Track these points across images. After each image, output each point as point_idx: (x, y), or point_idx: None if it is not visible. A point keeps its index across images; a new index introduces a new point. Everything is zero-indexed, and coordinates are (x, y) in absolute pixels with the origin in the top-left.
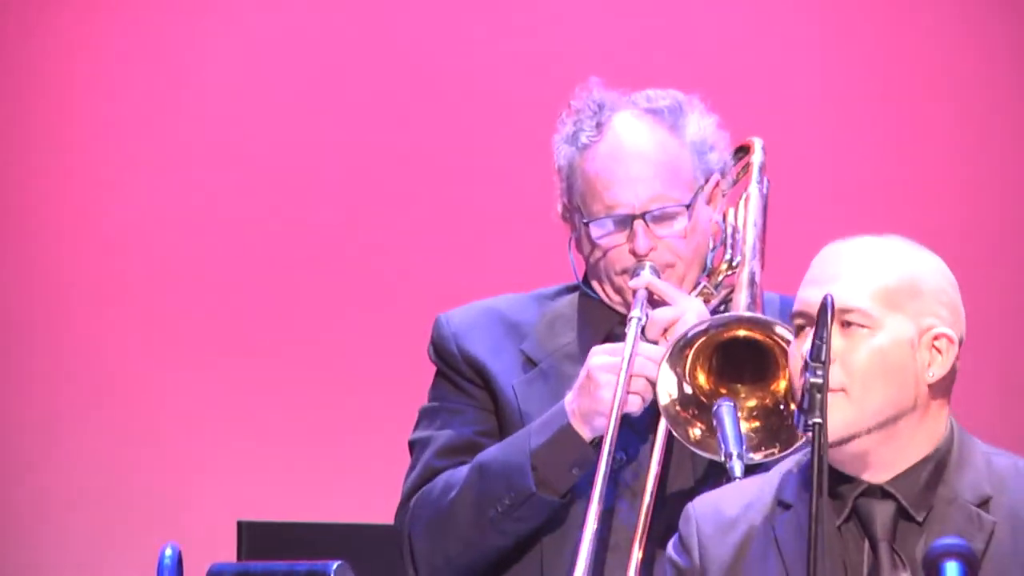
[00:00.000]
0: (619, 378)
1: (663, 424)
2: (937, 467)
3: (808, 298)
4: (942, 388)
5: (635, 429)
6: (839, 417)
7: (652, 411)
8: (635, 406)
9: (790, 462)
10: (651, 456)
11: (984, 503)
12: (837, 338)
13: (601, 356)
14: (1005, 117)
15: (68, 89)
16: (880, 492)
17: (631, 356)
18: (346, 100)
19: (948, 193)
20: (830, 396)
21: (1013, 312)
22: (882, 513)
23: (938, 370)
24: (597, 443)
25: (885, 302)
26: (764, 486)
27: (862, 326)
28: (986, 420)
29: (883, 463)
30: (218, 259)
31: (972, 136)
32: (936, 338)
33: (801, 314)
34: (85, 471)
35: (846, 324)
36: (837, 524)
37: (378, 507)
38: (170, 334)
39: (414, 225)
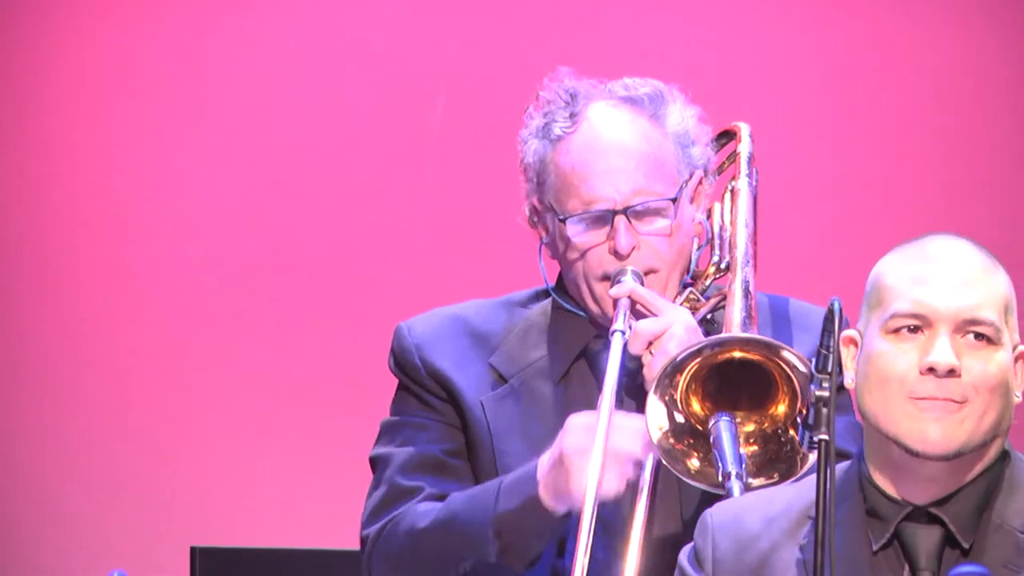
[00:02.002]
0: (591, 465)
1: (650, 459)
2: (987, 490)
3: (931, 301)
4: None
5: None
6: (959, 430)
7: None
8: (614, 489)
9: None
10: (630, 487)
11: None
12: (963, 349)
13: (577, 435)
14: (1006, 104)
15: (80, 90)
16: (926, 516)
17: (608, 431)
18: (315, 101)
19: (951, 182)
20: (951, 406)
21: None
22: (927, 540)
23: (1021, 389)
24: (568, 514)
25: (1004, 316)
26: (794, 499)
27: (991, 341)
28: None
29: (943, 484)
30: (170, 281)
31: (972, 124)
32: (1020, 357)
33: (917, 316)
34: (34, 495)
35: (978, 336)
36: (875, 549)
37: (337, 532)
38: (117, 359)
39: (371, 226)
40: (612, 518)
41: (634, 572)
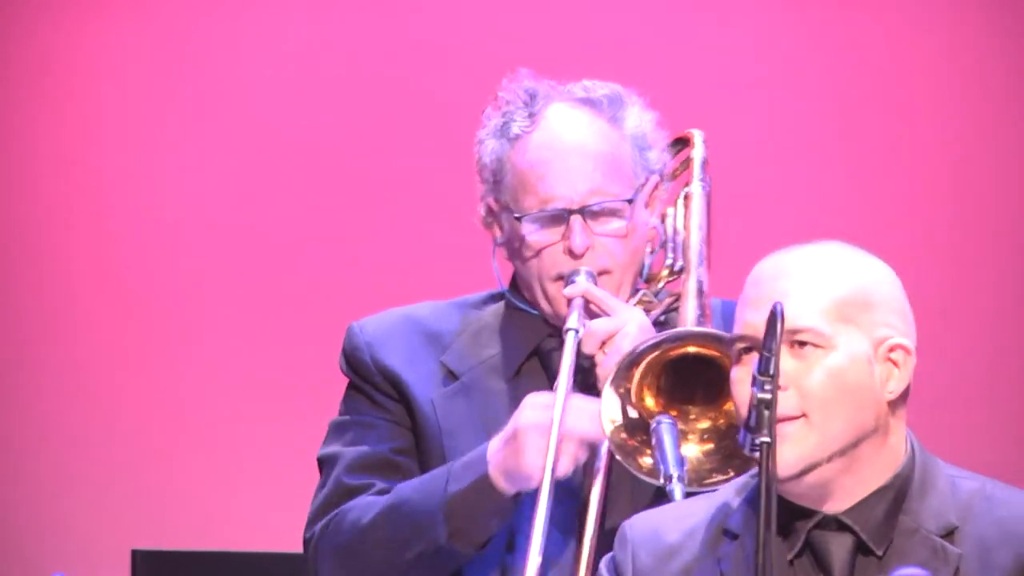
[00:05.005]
0: (550, 442)
1: (604, 448)
2: (898, 494)
3: (752, 320)
4: (899, 404)
5: None
6: (800, 446)
7: None
8: (565, 469)
9: (736, 485)
10: (581, 481)
11: (949, 534)
12: (788, 360)
13: (533, 411)
14: (966, 109)
15: (72, 92)
16: (836, 524)
17: (563, 412)
18: (287, 107)
19: (906, 186)
20: (788, 425)
21: (1000, 314)
22: (839, 547)
23: (897, 385)
24: (518, 495)
25: (836, 317)
26: (710, 510)
27: (816, 346)
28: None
29: (842, 492)
30: (111, 277)
31: (927, 125)
32: (892, 350)
33: (745, 338)
34: None
35: (799, 344)
36: (789, 558)
37: (279, 535)
38: (62, 356)
39: (322, 226)
40: (563, 513)
41: (587, 565)
